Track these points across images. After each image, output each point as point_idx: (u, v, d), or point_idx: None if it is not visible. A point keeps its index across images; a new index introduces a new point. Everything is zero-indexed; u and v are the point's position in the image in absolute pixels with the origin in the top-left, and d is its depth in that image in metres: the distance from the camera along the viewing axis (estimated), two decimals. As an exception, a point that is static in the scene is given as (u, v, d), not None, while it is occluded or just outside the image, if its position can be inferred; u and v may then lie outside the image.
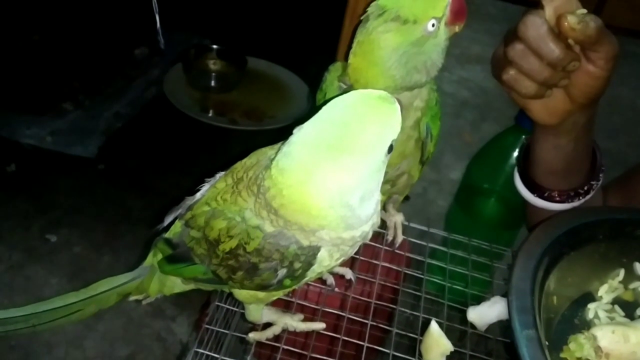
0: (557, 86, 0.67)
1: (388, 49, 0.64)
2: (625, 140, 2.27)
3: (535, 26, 0.63)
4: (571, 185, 0.80)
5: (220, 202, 0.62)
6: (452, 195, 1.54)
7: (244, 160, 0.65)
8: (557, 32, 0.63)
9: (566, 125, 0.73)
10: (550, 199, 0.81)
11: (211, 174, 0.69)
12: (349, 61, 0.68)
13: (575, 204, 0.80)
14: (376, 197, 0.56)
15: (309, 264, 0.59)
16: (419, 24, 0.62)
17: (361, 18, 0.66)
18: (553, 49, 0.62)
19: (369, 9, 0.65)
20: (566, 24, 0.61)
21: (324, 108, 0.53)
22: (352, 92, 0.53)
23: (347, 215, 0.54)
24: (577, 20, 0.60)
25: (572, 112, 0.71)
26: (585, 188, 0.80)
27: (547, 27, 0.62)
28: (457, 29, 0.66)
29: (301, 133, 0.53)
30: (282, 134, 0.55)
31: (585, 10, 0.62)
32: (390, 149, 0.52)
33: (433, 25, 0.63)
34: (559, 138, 0.75)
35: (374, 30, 0.64)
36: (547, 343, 0.60)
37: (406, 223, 0.86)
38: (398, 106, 0.52)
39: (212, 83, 2.44)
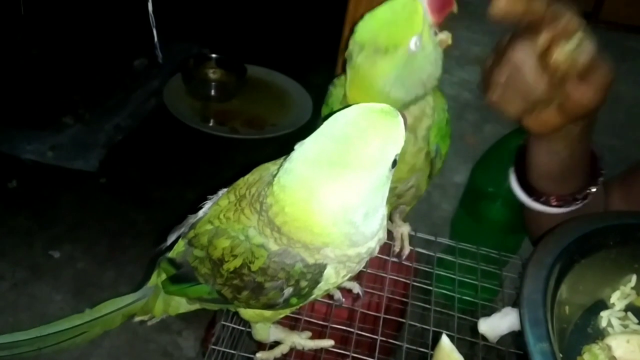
0: (545, 107, 0.66)
1: (380, 79, 0.63)
2: (628, 137, 2.26)
3: (523, 56, 0.61)
4: (568, 190, 0.78)
5: (223, 220, 0.61)
6: (456, 198, 1.53)
7: (246, 177, 0.64)
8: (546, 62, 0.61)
9: (560, 134, 0.71)
10: (546, 203, 0.79)
11: (214, 184, 0.68)
12: (348, 92, 0.68)
13: (573, 208, 0.79)
14: (381, 213, 0.55)
15: (315, 282, 0.58)
16: (402, 46, 0.62)
17: (345, 55, 0.66)
18: (538, 84, 0.61)
19: (349, 47, 0.64)
20: (553, 61, 0.59)
21: (325, 123, 0.52)
22: (353, 106, 0.52)
23: (351, 232, 0.53)
24: (565, 57, 0.59)
25: (565, 124, 0.69)
26: (583, 193, 0.78)
27: (534, 59, 0.61)
28: (449, 41, 0.65)
29: (302, 149, 0.52)
30: (283, 142, 0.54)
31: (581, 35, 0.59)
32: (394, 163, 0.51)
33: (416, 43, 0.62)
34: (553, 145, 0.73)
35: (361, 66, 0.63)
36: (561, 355, 0.59)
37: (413, 233, 0.85)
38: (401, 119, 0.51)
39: (212, 92, 2.44)
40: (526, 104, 0.65)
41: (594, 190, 0.78)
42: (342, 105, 0.71)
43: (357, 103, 0.66)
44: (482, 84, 0.69)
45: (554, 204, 0.78)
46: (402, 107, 0.66)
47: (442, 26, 0.65)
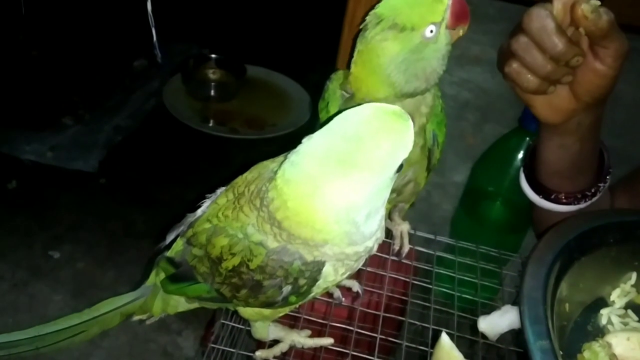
0: (560, 82, 0.66)
1: (387, 57, 0.63)
2: (628, 137, 2.25)
3: (539, 18, 0.62)
4: (578, 187, 0.79)
5: (221, 218, 0.61)
6: (456, 198, 1.52)
7: (244, 175, 0.63)
8: (562, 26, 0.62)
9: (571, 125, 0.72)
10: (556, 201, 0.79)
11: (213, 184, 0.68)
12: (351, 70, 0.67)
13: (582, 206, 0.79)
14: (381, 213, 0.55)
15: (314, 280, 0.57)
16: (417, 30, 0.61)
17: (360, 27, 0.65)
18: (556, 43, 0.61)
19: (367, 18, 0.64)
20: (580, 11, 0.60)
21: (336, 119, 0.51)
22: (365, 105, 0.51)
23: (352, 231, 0.53)
24: (591, 10, 0.60)
25: (577, 112, 0.70)
26: (592, 190, 0.79)
27: (551, 20, 0.61)
28: (460, 32, 0.65)
29: (310, 143, 0.51)
30: (283, 142, 0.54)
31: (599, 2, 0.61)
32: (400, 167, 0.51)
33: (432, 31, 0.62)
34: (564, 138, 0.74)
35: (372, 39, 0.63)
36: (561, 353, 0.59)
37: (412, 232, 0.85)
38: (411, 123, 0.51)
39: (212, 93, 2.44)
40: (539, 80, 0.65)
41: (602, 186, 0.79)
42: (338, 98, 0.71)
43: (358, 82, 0.67)
44: (498, 62, 0.69)
45: (564, 201, 0.79)
46: (396, 97, 0.66)
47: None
